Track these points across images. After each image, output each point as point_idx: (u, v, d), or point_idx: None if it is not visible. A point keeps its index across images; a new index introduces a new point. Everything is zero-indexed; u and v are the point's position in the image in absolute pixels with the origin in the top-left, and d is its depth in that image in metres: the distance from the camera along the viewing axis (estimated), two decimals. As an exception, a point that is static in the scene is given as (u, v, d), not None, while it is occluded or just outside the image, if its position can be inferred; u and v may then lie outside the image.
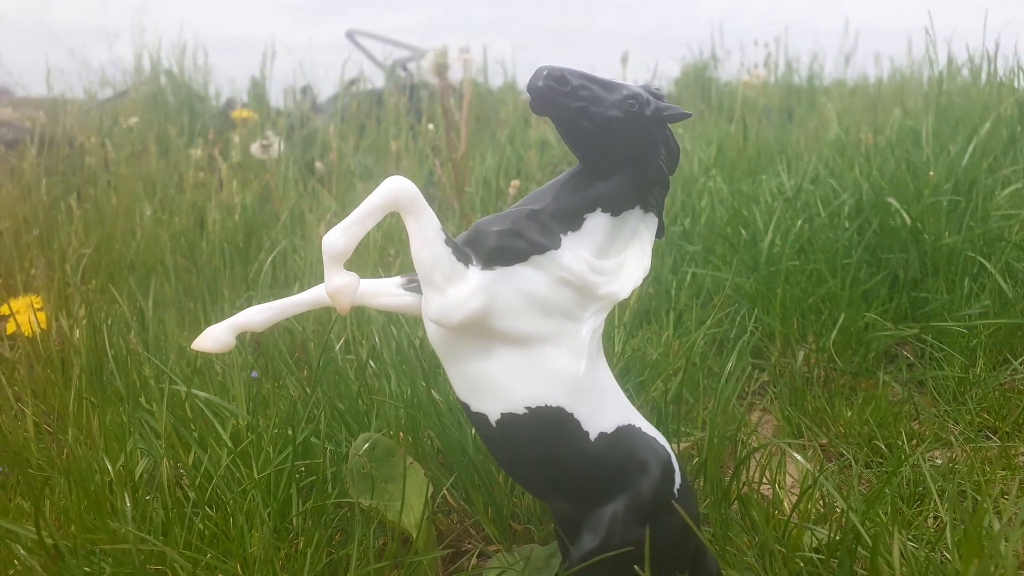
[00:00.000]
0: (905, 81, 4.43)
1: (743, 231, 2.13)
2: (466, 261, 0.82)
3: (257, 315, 0.88)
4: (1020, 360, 1.67)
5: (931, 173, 2.10)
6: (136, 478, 1.16)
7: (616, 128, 0.82)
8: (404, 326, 1.55)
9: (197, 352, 1.45)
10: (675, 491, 0.89)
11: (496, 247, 0.82)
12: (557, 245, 0.84)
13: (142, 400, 1.35)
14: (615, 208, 0.86)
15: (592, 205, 0.85)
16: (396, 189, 0.80)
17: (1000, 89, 3.06)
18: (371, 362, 1.48)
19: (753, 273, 1.97)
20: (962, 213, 2.11)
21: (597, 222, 0.85)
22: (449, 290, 0.81)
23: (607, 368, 0.90)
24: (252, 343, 1.66)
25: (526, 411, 0.84)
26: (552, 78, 0.80)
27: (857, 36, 5.80)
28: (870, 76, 5.06)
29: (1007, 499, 1.28)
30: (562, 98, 0.80)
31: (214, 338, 0.86)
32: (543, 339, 0.84)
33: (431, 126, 2.83)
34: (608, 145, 0.83)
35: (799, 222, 2.12)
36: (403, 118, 3.42)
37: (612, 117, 0.81)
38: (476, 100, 3.76)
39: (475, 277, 0.82)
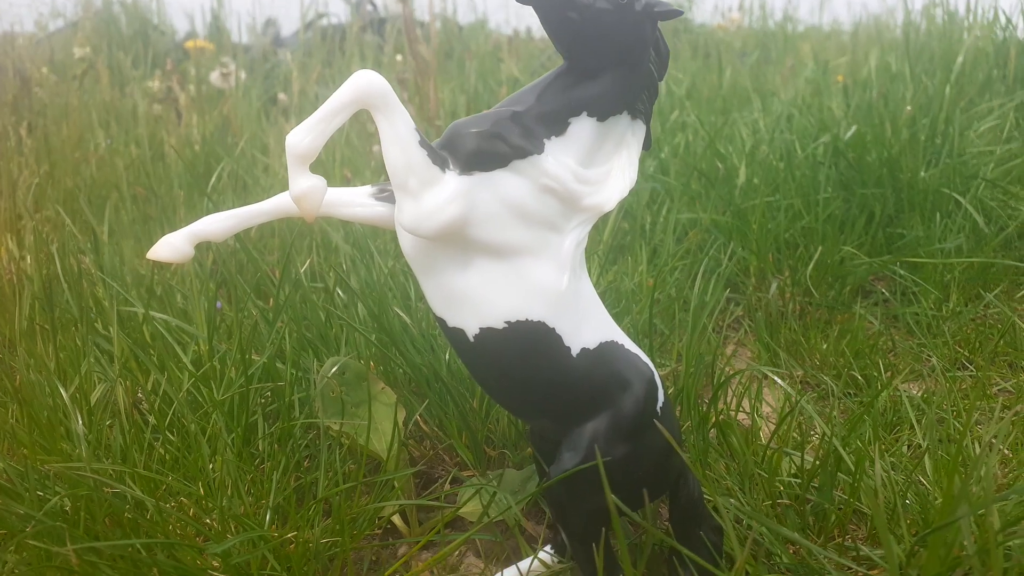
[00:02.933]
0: (880, 26, 4.40)
1: (719, 165, 2.09)
2: (443, 165, 0.77)
3: (217, 223, 0.82)
4: (993, 293, 1.67)
5: (908, 108, 2.08)
6: (91, 403, 1.10)
7: (604, 22, 0.76)
8: (375, 255, 1.50)
9: (155, 275, 1.39)
10: (658, 410, 0.85)
11: (475, 150, 0.77)
12: (540, 150, 0.78)
13: (97, 325, 1.29)
14: (602, 112, 0.81)
15: (578, 108, 0.80)
16: (366, 84, 0.74)
17: (976, 30, 3.04)
18: (338, 290, 1.43)
19: (729, 207, 1.94)
20: (938, 149, 2.09)
21: (582, 127, 0.80)
22: (424, 196, 0.76)
23: (590, 283, 0.85)
24: (212, 271, 1.60)
25: (506, 325, 0.80)
26: None
27: (832, -21, 5.74)
28: (845, 23, 5.02)
29: (982, 428, 1.28)
30: (549, -14, 0.74)
31: (171, 246, 0.80)
32: (524, 250, 0.80)
33: (399, 57, 2.73)
34: (595, 41, 0.78)
35: (775, 161, 2.10)
36: (369, 51, 3.31)
37: (601, 9, 0.76)
38: (444, 36, 3.66)
39: (452, 182, 0.76)
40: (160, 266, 1.37)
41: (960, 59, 2.46)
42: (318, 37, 3.84)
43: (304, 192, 0.76)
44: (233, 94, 2.55)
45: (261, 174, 2.13)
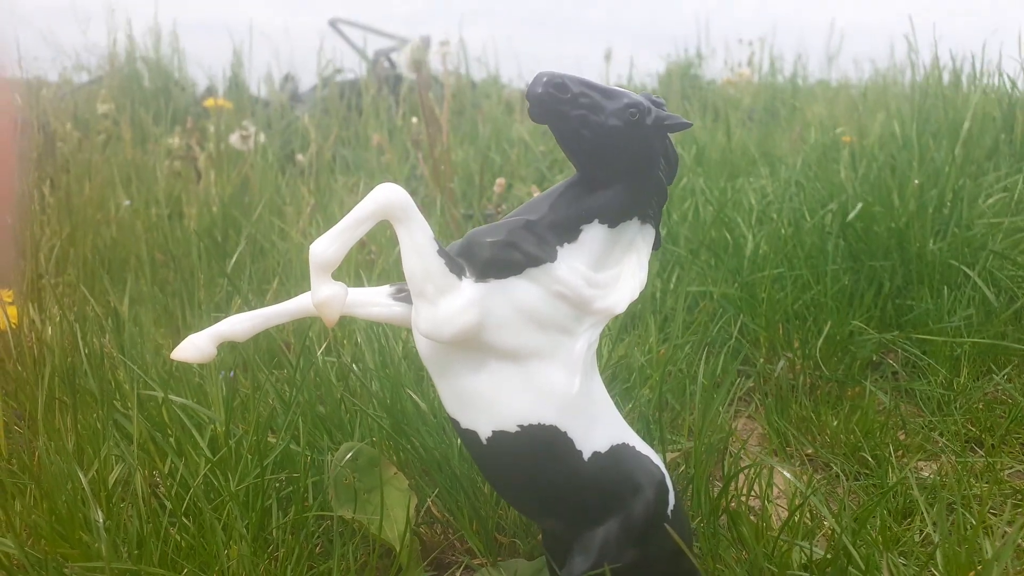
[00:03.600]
0: (887, 84, 4.46)
1: (728, 235, 2.12)
2: (459, 273, 0.80)
3: (240, 324, 0.85)
4: (1003, 373, 1.68)
5: (916, 181, 2.10)
6: (110, 487, 1.12)
7: (616, 137, 0.79)
8: (388, 330, 1.52)
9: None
10: (668, 512, 0.86)
11: (491, 259, 0.80)
12: (553, 258, 0.81)
13: (116, 404, 1.31)
14: (613, 220, 0.83)
15: (590, 216, 0.82)
16: (387, 197, 0.77)
17: (983, 93, 3.08)
18: (354, 366, 1.44)
19: (737, 278, 1.96)
20: (946, 221, 2.11)
21: (594, 234, 0.83)
22: (441, 303, 0.78)
23: (601, 383, 0.87)
24: (229, 345, 1.62)
25: (518, 429, 0.81)
26: (552, 85, 0.77)
27: (842, 36, 5.83)
28: (852, 78, 5.09)
29: (993, 514, 1.28)
30: (562, 106, 0.77)
31: (195, 348, 0.83)
32: (537, 354, 0.82)
33: (414, 119, 2.79)
34: (607, 155, 0.80)
35: (782, 228, 2.12)
36: (384, 110, 3.38)
37: (612, 126, 0.79)
38: (457, 92, 3.73)
39: (468, 290, 0.79)
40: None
41: (967, 125, 2.48)
42: (335, 93, 3.92)
43: (326, 299, 0.79)
44: (251, 155, 2.61)
45: (277, 239, 2.17)
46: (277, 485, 1.12)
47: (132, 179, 2.75)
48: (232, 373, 1.45)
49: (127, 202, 2.49)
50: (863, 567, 1.00)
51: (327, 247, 0.78)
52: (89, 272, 1.88)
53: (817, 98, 4.29)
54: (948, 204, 2.11)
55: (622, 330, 1.85)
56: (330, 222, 1.18)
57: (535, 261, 0.80)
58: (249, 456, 1.09)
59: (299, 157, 2.80)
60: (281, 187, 2.63)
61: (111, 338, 1.43)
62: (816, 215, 2.13)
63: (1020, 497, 1.31)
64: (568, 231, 0.82)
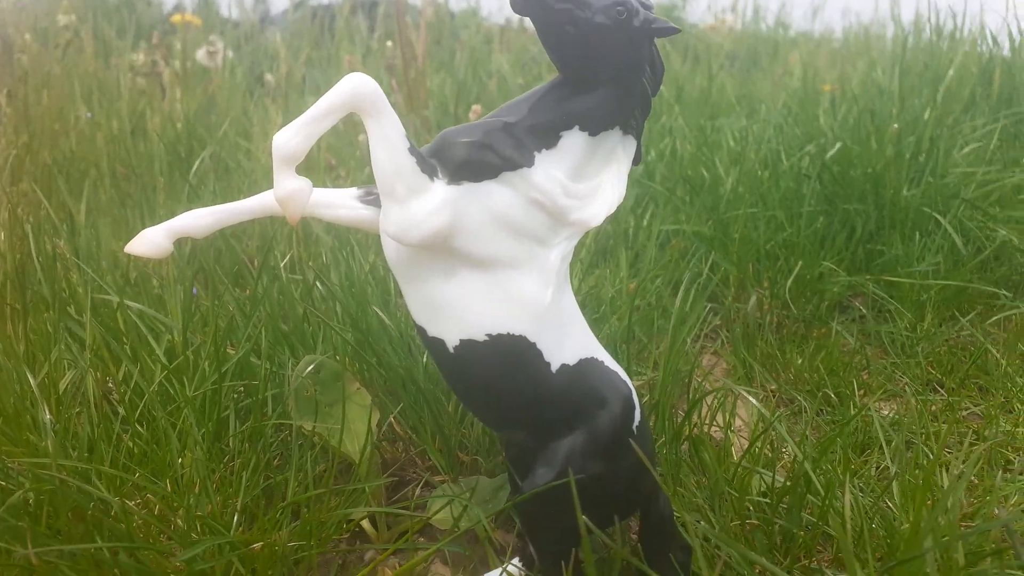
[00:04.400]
0: (870, 38, 4.42)
1: (705, 173, 2.10)
2: (431, 173, 0.76)
3: (198, 219, 0.81)
4: (968, 317, 1.69)
5: (895, 126, 2.09)
6: (60, 391, 1.08)
7: (602, 36, 0.76)
8: (356, 248, 1.48)
9: (131, 261, 1.37)
10: (633, 428, 0.85)
11: (465, 160, 0.76)
12: (531, 163, 0.78)
13: (70, 309, 1.27)
14: (594, 127, 0.80)
15: (570, 122, 0.79)
16: (356, 87, 0.73)
17: (963, 47, 3.06)
18: (318, 284, 1.41)
19: (712, 216, 1.94)
20: (921, 168, 2.11)
21: (574, 141, 0.80)
22: (412, 204, 0.75)
23: (572, 297, 0.85)
24: (190, 258, 1.57)
25: (487, 338, 0.79)
26: None
27: (827, -13, 5.74)
28: (836, 30, 5.04)
29: (949, 452, 1.30)
30: (546, -3, 0.73)
31: (150, 241, 0.79)
32: (509, 263, 0.79)
33: (389, 43, 2.71)
34: (591, 55, 0.77)
35: (759, 169, 2.10)
36: (358, 34, 3.27)
37: (598, 24, 0.75)
38: (436, 22, 3.63)
39: (440, 191, 0.76)
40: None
41: (950, 73, 2.47)
42: (307, 17, 3.80)
43: (289, 194, 0.75)
44: (219, 73, 2.51)
45: (243, 158, 2.10)
46: (235, 395, 1.10)
47: (93, 92, 2.64)
48: (195, 290, 1.42)
49: (88, 114, 2.39)
50: (823, 493, 1.00)
51: (291, 138, 0.73)
52: (46, 181, 1.81)
53: (800, 48, 4.25)
54: (924, 152, 2.10)
55: (593, 264, 1.84)
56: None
57: (512, 165, 0.77)
58: (207, 365, 1.06)
59: (268, 77, 2.72)
60: (248, 107, 2.54)
61: (66, 242, 1.38)
62: (794, 157, 2.11)
63: (976, 436, 1.33)
64: (547, 136, 0.79)
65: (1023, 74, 2.85)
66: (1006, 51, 3.03)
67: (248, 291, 1.52)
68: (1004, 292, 1.75)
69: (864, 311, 1.79)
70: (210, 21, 3.69)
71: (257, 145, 2.10)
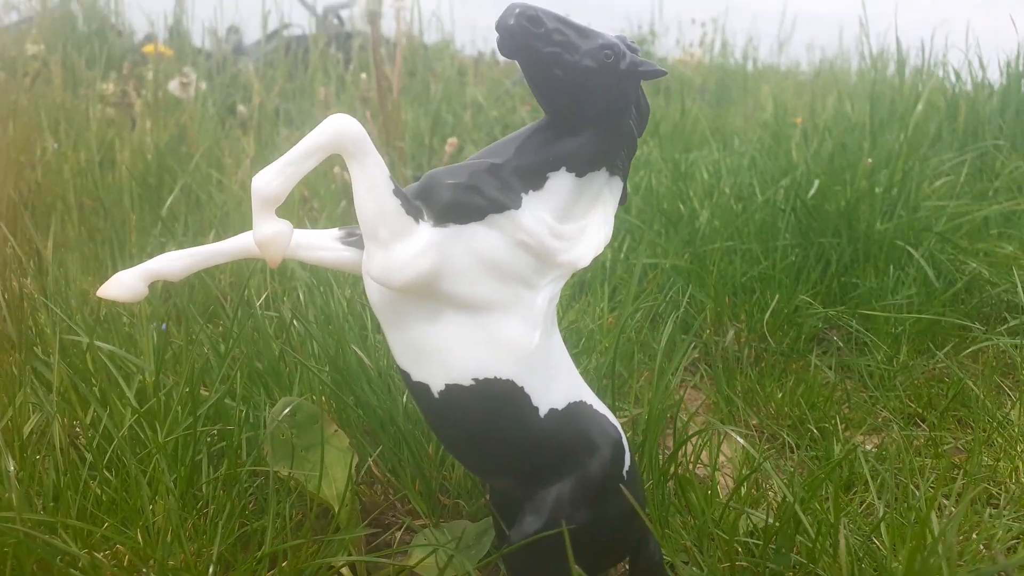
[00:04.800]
0: (836, 72, 4.51)
1: (681, 206, 2.10)
2: (416, 216, 0.74)
3: (173, 262, 0.78)
4: (944, 351, 1.70)
5: (868, 160, 2.11)
6: (24, 436, 1.04)
7: (589, 79, 0.75)
8: (333, 284, 1.46)
9: (102, 302, 1.33)
10: (624, 473, 0.83)
11: (451, 202, 0.75)
12: (517, 205, 0.76)
13: (37, 350, 1.22)
14: (580, 168, 0.79)
15: (557, 163, 0.78)
16: (340, 128, 0.71)
17: (930, 82, 3.13)
18: (294, 322, 1.38)
19: (689, 249, 1.95)
20: (893, 202, 2.13)
21: (560, 182, 0.79)
22: (395, 247, 0.73)
23: (560, 340, 0.83)
24: (162, 294, 1.54)
25: (473, 383, 0.77)
26: (525, 17, 0.72)
27: (794, 21, 5.86)
28: (803, 63, 5.14)
29: (933, 488, 1.29)
30: (534, 41, 0.73)
31: (123, 285, 0.76)
32: (495, 306, 0.77)
33: (363, 75, 2.70)
34: (579, 97, 0.76)
35: (732, 203, 2.11)
36: (332, 66, 3.26)
37: (586, 67, 0.74)
38: (410, 54, 3.63)
39: (425, 234, 0.74)
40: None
41: (920, 107, 2.51)
42: (281, 48, 3.78)
43: (270, 238, 0.72)
44: (191, 104, 2.49)
45: (215, 191, 2.07)
46: (208, 439, 1.06)
47: (61, 123, 2.60)
48: (164, 326, 1.38)
49: (55, 145, 2.35)
50: (812, 534, 0.99)
51: (270, 180, 0.71)
52: (11, 217, 1.77)
53: (768, 81, 4.32)
54: (896, 186, 2.13)
55: (572, 297, 1.83)
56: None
57: (498, 207, 0.76)
58: (179, 408, 1.03)
59: (240, 108, 2.69)
60: (221, 138, 2.51)
61: (32, 280, 1.34)
62: (768, 191, 2.13)
63: (957, 471, 1.33)
64: (534, 178, 0.78)
65: (986, 109, 2.92)
66: (969, 87, 3.11)
67: (221, 328, 1.49)
68: (977, 325, 1.76)
69: (840, 344, 1.80)
70: (182, 52, 3.66)
71: (229, 177, 2.07)
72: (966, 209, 2.17)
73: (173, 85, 2.49)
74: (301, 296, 1.45)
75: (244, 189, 2.03)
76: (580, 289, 1.89)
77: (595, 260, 0.81)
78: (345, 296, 1.49)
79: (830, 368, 1.67)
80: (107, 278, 0.78)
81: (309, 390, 1.18)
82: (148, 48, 3.25)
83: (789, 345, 1.78)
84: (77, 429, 1.08)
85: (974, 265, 1.94)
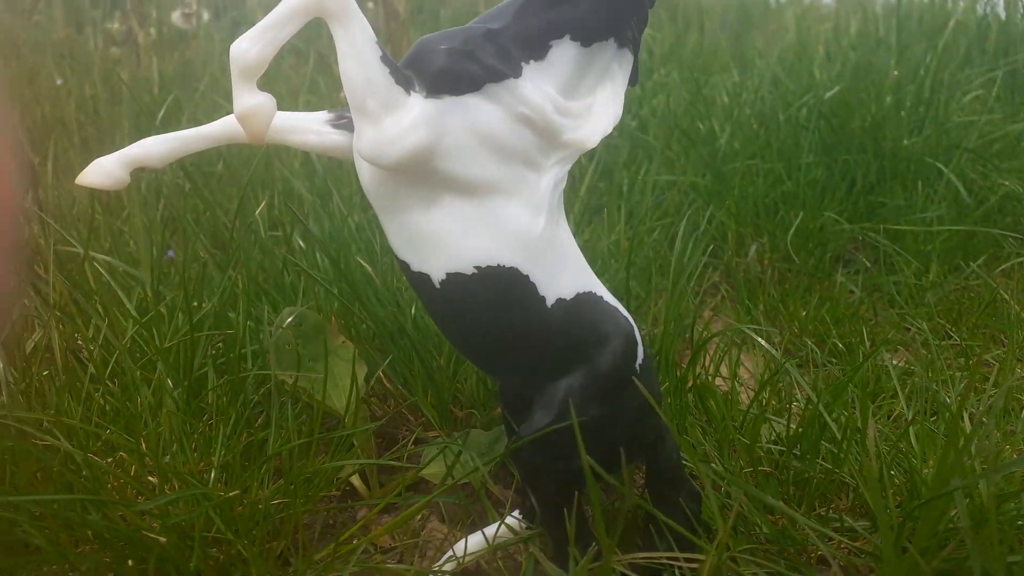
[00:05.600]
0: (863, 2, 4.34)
1: (700, 126, 2.03)
2: (407, 86, 0.68)
3: (155, 147, 0.73)
4: (976, 263, 1.63)
5: (895, 72, 2.02)
6: (27, 351, 1.02)
7: None
8: (339, 205, 1.41)
9: (101, 218, 1.30)
10: (636, 367, 0.79)
11: (444, 69, 0.69)
12: (517, 74, 0.71)
13: (38, 268, 1.19)
14: (586, 37, 0.73)
15: (560, 30, 0.72)
16: (321, -15, 0.65)
17: (957, 2, 3.00)
18: (298, 239, 1.34)
19: (708, 170, 1.88)
20: (921, 118, 2.05)
21: (564, 52, 0.73)
22: (386, 120, 0.67)
23: (568, 229, 0.78)
24: (164, 217, 1.50)
25: (475, 271, 0.73)
26: None
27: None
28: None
29: (962, 396, 1.24)
30: None
31: (103, 170, 0.72)
32: (497, 188, 0.72)
33: (370, 5, 2.62)
34: None
35: (754, 123, 2.04)
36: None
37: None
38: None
39: (417, 106, 0.68)
40: (106, 207, 1.27)
41: (951, 23, 2.40)
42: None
43: (250, 110, 0.67)
44: (195, 36, 2.43)
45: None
46: (212, 352, 1.03)
47: (66, 59, 2.55)
48: (170, 252, 1.35)
49: (59, 81, 2.31)
50: (839, 438, 0.95)
51: (249, 47, 0.66)
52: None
53: (792, 6, 4.17)
54: (924, 101, 2.04)
55: (587, 220, 1.77)
56: (278, 105, 1.03)
57: (496, 75, 0.70)
58: (180, 315, 1.00)
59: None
60: (226, 70, 2.45)
61: (30, 196, 1.30)
62: (790, 109, 2.05)
63: (987, 382, 1.28)
64: (535, 45, 0.72)
65: (1018, 29, 2.79)
66: (1000, 8, 2.98)
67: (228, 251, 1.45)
68: (1012, 235, 1.68)
69: (868, 263, 1.74)
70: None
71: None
72: (998, 126, 2.08)
73: (176, 16, 2.43)
74: (307, 213, 1.41)
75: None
76: (595, 213, 1.83)
77: (604, 138, 0.75)
78: (352, 220, 1.44)
79: (856, 286, 1.62)
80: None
81: (315, 303, 1.15)
82: (152, -16, 3.18)
83: (814, 264, 1.72)
84: (79, 342, 1.05)
85: (1007, 183, 1.86)
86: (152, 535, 0.76)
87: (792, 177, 1.86)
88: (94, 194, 1.50)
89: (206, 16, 2.51)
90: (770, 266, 1.71)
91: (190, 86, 2.34)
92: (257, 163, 1.45)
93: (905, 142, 1.94)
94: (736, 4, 4.59)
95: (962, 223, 1.76)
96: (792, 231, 1.70)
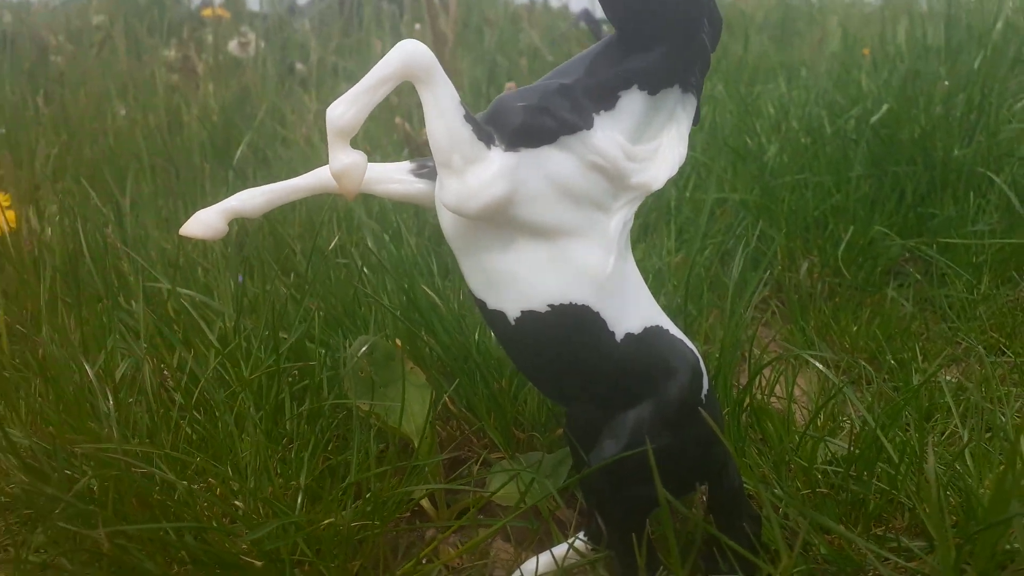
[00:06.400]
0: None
1: (748, 141, 2.05)
2: (488, 141, 0.74)
3: (252, 199, 0.80)
4: (1029, 278, 1.63)
5: (945, 82, 2.02)
6: (117, 380, 1.09)
7: None
8: (402, 229, 1.47)
9: (180, 251, 1.37)
10: (702, 397, 0.83)
11: (522, 125, 0.74)
12: (589, 125, 0.75)
13: (121, 300, 1.27)
14: (653, 86, 0.77)
15: (629, 81, 0.76)
16: (410, 54, 0.71)
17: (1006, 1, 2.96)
18: (365, 269, 1.40)
19: (757, 184, 1.90)
20: (972, 127, 2.04)
21: (633, 101, 0.77)
22: (469, 174, 0.73)
23: (634, 264, 0.83)
24: (236, 245, 1.57)
25: (549, 309, 0.77)
26: None
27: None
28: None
29: (1020, 416, 1.25)
30: (600, -48, 0.71)
31: (204, 223, 0.78)
32: (569, 231, 0.77)
33: (417, 26, 2.69)
34: (649, 10, 0.74)
35: (802, 136, 2.05)
36: (387, 19, 3.25)
37: (656, -24, 0.72)
38: (463, 3, 3.59)
39: (498, 159, 0.73)
40: (185, 241, 1.34)
41: (999, 26, 2.39)
42: (335, 5, 3.78)
43: (345, 168, 0.73)
44: (251, 64, 2.52)
45: (280, 146, 2.10)
46: (290, 379, 1.09)
47: (129, 89, 2.66)
48: (241, 277, 1.41)
49: (123, 111, 2.41)
50: (896, 460, 0.97)
51: (345, 111, 0.71)
52: (89, 176, 1.82)
53: (835, 13, 4.15)
54: (975, 109, 2.04)
55: (637, 238, 1.81)
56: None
57: (570, 128, 0.75)
58: (261, 348, 1.06)
59: (299, 66, 2.71)
60: (282, 96, 2.54)
61: (113, 230, 1.38)
62: (839, 121, 2.06)
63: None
64: (605, 97, 0.76)
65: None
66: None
67: (294, 276, 1.52)
68: (1068, 248, 1.68)
69: (918, 276, 1.74)
70: (239, 14, 3.69)
71: (293, 131, 2.10)
72: (1051, 132, 2.06)
73: (233, 45, 2.52)
74: (370, 243, 1.47)
75: (308, 144, 2.05)
76: (645, 231, 1.87)
77: (669, 182, 0.79)
78: (411, 243, 1.50)
79: (907, 300, 1.63)
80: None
81: (384, 331, 1.20)
82: (206, 11, 3.30)
83: (864, 278, 1.73)
84: (165, 372, 1.12)
85: (1060, 190, 1.85)
86: (248, 559, 0.82)
87: (841, 190, 1.87)
88: (169, 227, 1.59)
89: (262, 44, 2.60)
90: (820, 280, 1.72)
91: (248, 111, 2.43)
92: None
93: (956, 152, 1.94)
94: (777, 5, 4.58)
95: (1014, 234, 1.75)
96: (843, 246, 1.72)
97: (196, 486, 0.94)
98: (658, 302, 1.21)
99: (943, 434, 1.20)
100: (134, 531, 0.82)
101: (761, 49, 3.06)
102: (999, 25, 2.24)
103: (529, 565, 0.91)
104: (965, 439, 1.08)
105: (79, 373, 1.04)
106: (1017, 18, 2.95)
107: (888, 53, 2.51)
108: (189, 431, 1.02)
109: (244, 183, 1.77)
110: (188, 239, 0.92)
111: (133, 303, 1.19)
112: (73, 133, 2.19)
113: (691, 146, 2.10)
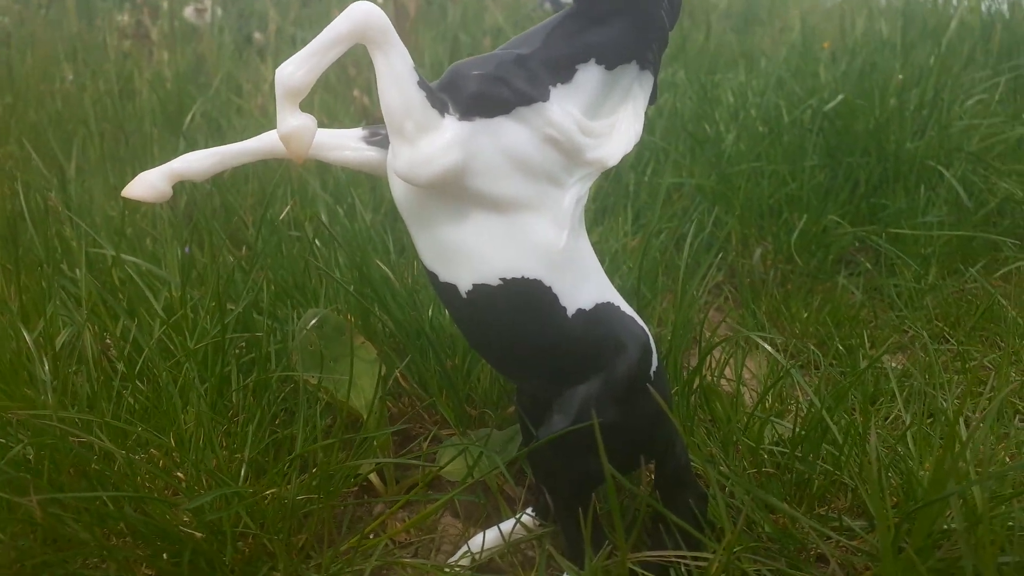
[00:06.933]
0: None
1: (707, 128, 2.06)
2: (442, 109, 0.72)
3: (197, 161, 0.77)
4: (975, 268, 1.67)
5: (899, 76, 2.06)
6: (57, 348, 1.05)
7: None
8: (356, 203, 1.45)
9: (126, 219, 1.33)
10: (651, 373, 0.83)
11: (477, 93, 0.72)
12: (545, 97, 0.74)
13: (64, 267, 1.23)
14: (610, 60, 0.77)
15: (586, 54, 0.76)
16: (364, 16, 0.69)
17: (961, 1, 3.02)
18: (317, 241, 1.38)
19: (714, 171, 1.92)
20: (924, 121, 2.08)
21: (590, 75, 0.76)
22: (421, 141, 0.71)
23: (587, 241, 0.82)
24: (184, 216, 1.54)
25: (501, 282, 0.76)
26: None
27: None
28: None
29: (960, 401, 1.28)
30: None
31: (148, 184, 0.75)
32: (523, 205, 0.76)
33: (379, 0, 2.65)
34: None
35: (760, 126, 2.07)
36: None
37: (615, -50, 0.71)
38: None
39: (451, 128, 0.72)
40: (131, 208, 1.31)
41: (953, 24, 2.43)
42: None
43: (293, 131, 0.71)
44: (207, 31, 2.45)
45: (235, 116, 2.05)
46: (237, 351, 1.07)
47: (78, 53, 2.58)
48: (188, 248, 1.38)
49: (70, 78, 2.33)
50: (840, 441, 0.99)
51: (295, 71, 0.70)
52: (33, 140, 1.76)
53: (797, 5, 4.19)
54: (928, 104, 2.07)
55: (595, 221, 1.81)
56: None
57: (526, 99, 0.74)
58: (208, 319, 1.03)
59: (257, 36, 2.65)
60: (239, 66, 2.48)
61: (56, 194, 1.34)
62: (795, 111, 2.08)
63: (984, 386, 1.32)
64: (562, 70, 0.75)
65: (1021, 29, 2.82)
66: (1004, 7, 3.00)
67: (245, 250, 1.49)
68: (1011, 240, 1.72)
69: (869, 265, 1.77)
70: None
71: (248, 102, 2.05)
72: (999, 129, 2.11)
73: (188, 11, 2.46)
74: (324, 217, 1.44)
75: (264, 114, 2.01)
76: (603, 213, 1.87)
77: (624, 160, 0.79)
78: (366, 219, 1.48)
79: (857, 288, 1.66)
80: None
81: (335, 305, 1.18)
82: (162, -23, 3.20)
83: (816, 266, 1.76)
84: (108, 341, 1.09)
85: (1006, 186, 1.89)
86: (188, 530, 0.80)
87: (796, 179, 1.90)
88: (116, 194, 1.54)
89: (219, 12, 2.54)
90: (773, 267, 1.74)
91: (202, 81, 2.37)
92: (276, 163, 1.48)
93: (908, 145, 1.97)
94: (739, 3, 4.61)
95: (962, 227, 1.79)
96: (796, 233, 1.74)
97: (137, 456, 0.91)
98: (613, 284, 1.22)
99: (887, 418, 1.23)
100: (70, 500, 0.79)
101: (723, 38, 3.07)
102: (953, 24, 2.28)
103: (476, 540, 0.90)
104: (907, 423, 1.10)
105: (16, 339, 1.01)
106: (971, 17, 3.02)
107: (847, 45, 2.54)
108: (131, 401, 1.00)
109: (194, 146, 1.73)
110: (134, 204, 0.89)
111: (77, 270, 1.15)
112: (18, 95, 2.11)
113: (651, 131, 2.11)
